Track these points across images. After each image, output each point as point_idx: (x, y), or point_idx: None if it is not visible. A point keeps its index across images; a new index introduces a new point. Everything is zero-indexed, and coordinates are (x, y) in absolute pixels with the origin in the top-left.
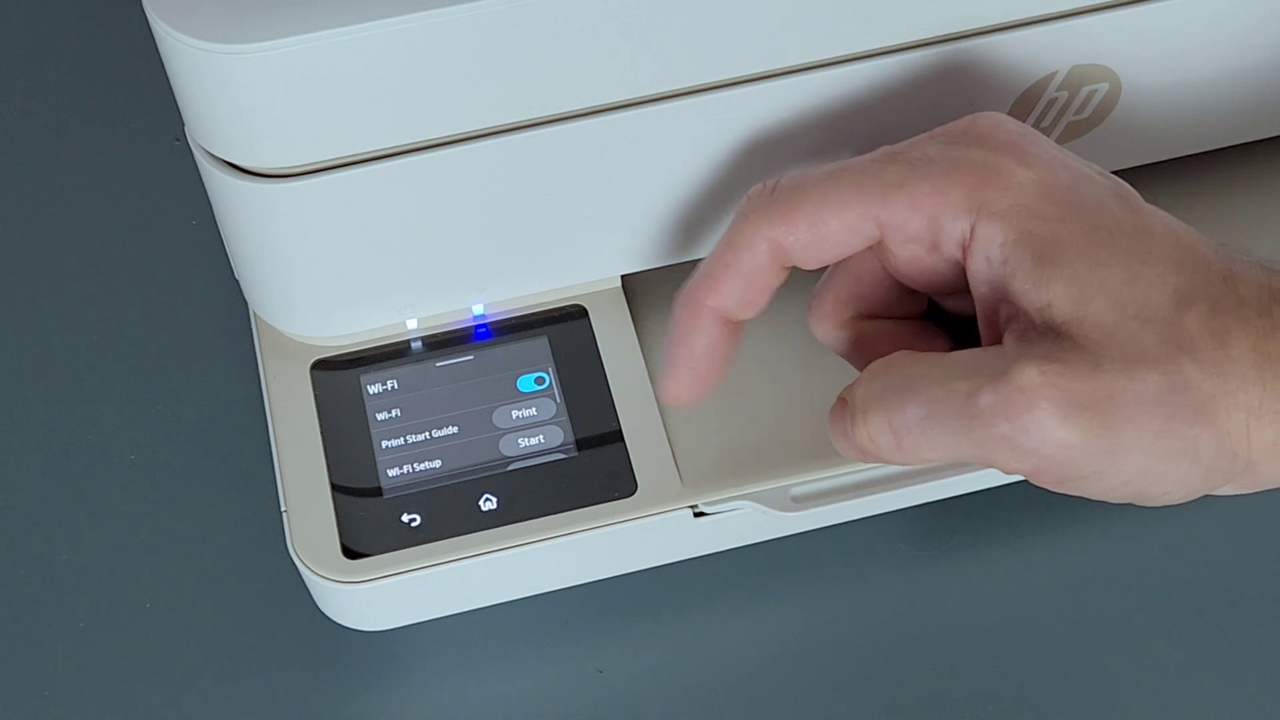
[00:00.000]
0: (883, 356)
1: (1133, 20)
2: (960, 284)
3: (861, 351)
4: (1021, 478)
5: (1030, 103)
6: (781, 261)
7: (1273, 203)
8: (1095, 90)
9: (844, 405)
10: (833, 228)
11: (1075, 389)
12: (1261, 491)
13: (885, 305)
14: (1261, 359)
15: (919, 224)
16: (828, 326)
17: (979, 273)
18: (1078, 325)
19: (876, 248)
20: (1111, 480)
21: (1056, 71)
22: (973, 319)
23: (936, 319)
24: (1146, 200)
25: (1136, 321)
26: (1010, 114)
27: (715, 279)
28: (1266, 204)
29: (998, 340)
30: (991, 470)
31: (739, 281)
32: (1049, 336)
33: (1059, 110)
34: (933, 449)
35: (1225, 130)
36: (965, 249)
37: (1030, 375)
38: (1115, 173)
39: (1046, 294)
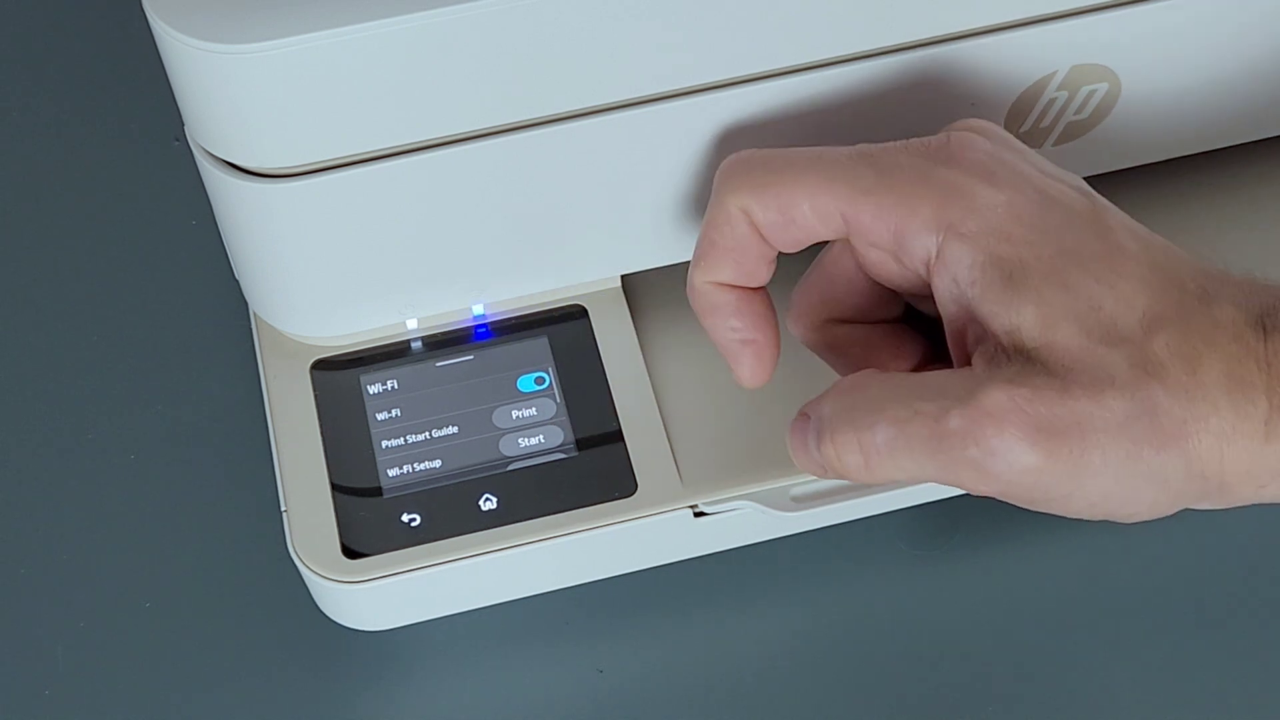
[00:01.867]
0: (857, 360)
1: (1133, 20)
2: (927, 289)
3: (837, 354)
4: None
5: (1030, 102)
6: (755, 224)
7: (1272, 203)
8: (1095, 90)
9: (806, 420)
10: (802, 211)
11: (1043, 414)
12: None
13: (859, 310)
14: (1233, 384)
15: (883, 233)
16: (803, 329)
17: (946, 291)
18: (1046, 350)
19: (847, 242)
20: (1079, 503)
21: (1056, 71)
22: None
23: (913, 322)
24: (1140, 204)
25: (1103, 345)
26: (1010, 113)
27: (706, 258)
28: (1266, 204)
29: (966, 358)
30: None
31: (729, 257)
32: (1017, 359)
33: (1058, 110)
34: (899, 470)
35: (1225, 130)
36: (929, 266)
37: (998, 399)
38: (1114, 173)
39: (1015, 318)
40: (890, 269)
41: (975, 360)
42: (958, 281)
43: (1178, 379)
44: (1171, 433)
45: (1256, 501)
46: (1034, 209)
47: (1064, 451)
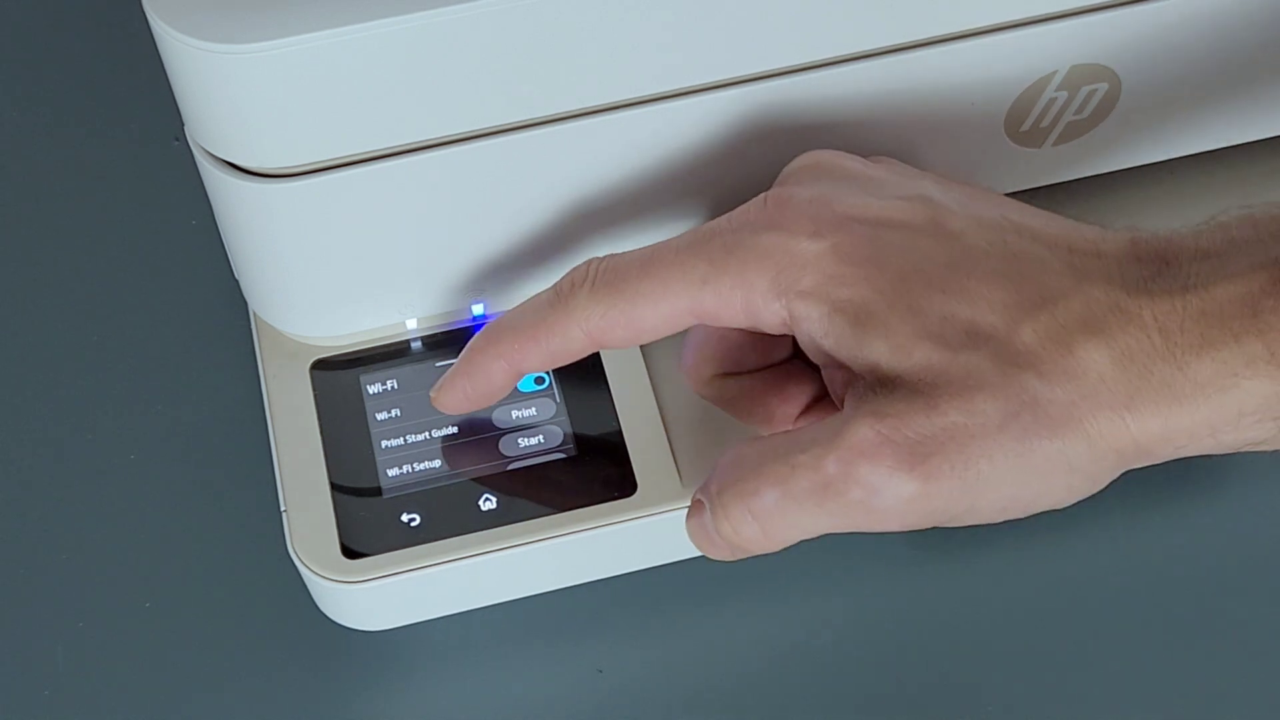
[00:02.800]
0: (749, 410)
1: (1133, 20)
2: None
3: (733, 405)
4: None
5: (1030, 102)
6: (597, 346)
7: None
8: (1095, 90)
9: (700, 507)
10: (649, 321)
11: (911, 437)
12: (1259, 494)
13: (744, 363)
14: (1120, 355)
15: (733, 313)
16: (694, 383)
17: (807, 345)
18: (908, 374)
19: None
20: (987, 511)
21: (1056, 71)
22: None
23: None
24: (1140, 205)
25: (966, 352)
26: (1010, 113)
27: (523, 347)
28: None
29: (841, 398)
30: None
31: (546, 358)
32: (881, 391)
33: (1058, 110)
34: (796, 528)
35: (1225, 130)
36: (788, 328)
37: (864, 434)
38: (1114, 173)
39: (870, 355)
40: (755, 332)
41: (846, 401)
42: (812, 336)
43: (1054, 362)
44: (1060, 417)
45: (1178, 457)
46: (862, 244)
47: (945, 469)
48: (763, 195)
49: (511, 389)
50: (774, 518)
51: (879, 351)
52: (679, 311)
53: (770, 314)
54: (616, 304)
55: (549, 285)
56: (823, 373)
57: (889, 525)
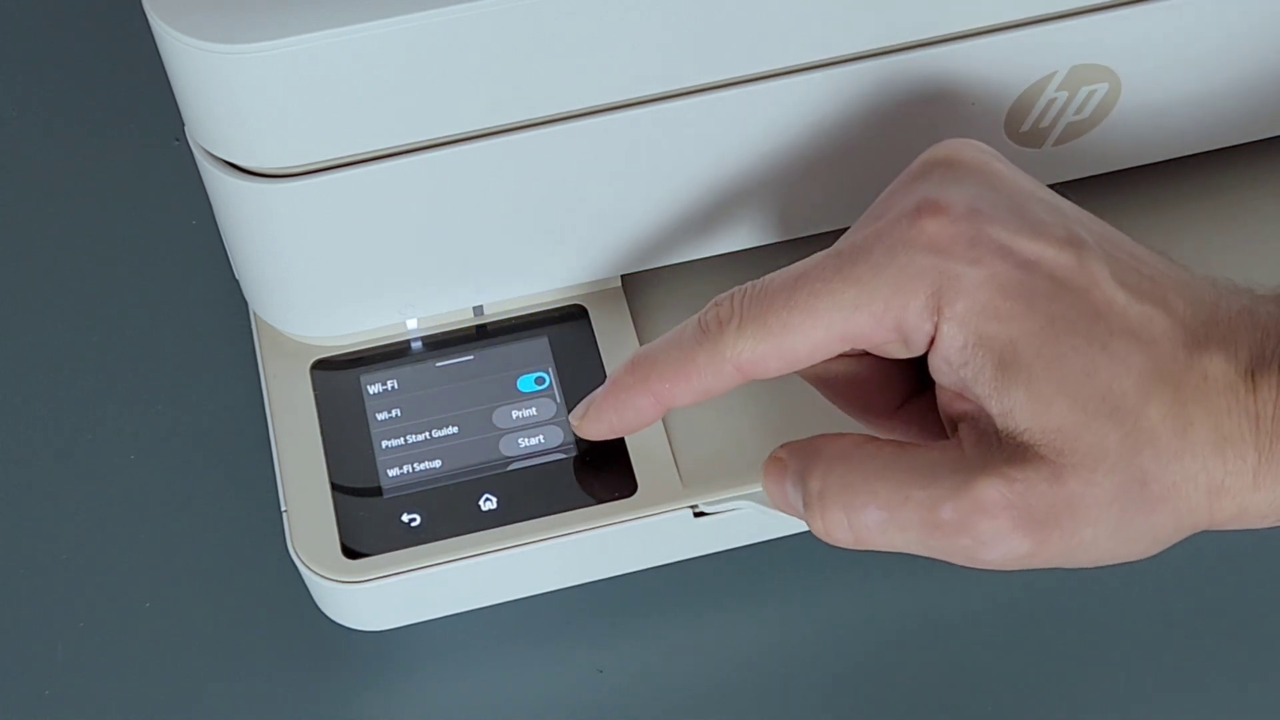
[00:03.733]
0: (845, 393)
1: (1133, 20)
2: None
3: (831, 386)
4: None
5: (1030, 102)
6: (748, 379)
7: (1272, 203)
8: (1095, 90)
9: (780, 465)
10: (801, 352)
11: (1035, 505)
12: None
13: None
14: (1222, 440)
15: (885, 333)
16: None
17: (939, 369)
18: (1040, 433)
19: None
20: (1071, 564)
21: (1056, 71)
22: None
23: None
24: (1140, 205)
25: (1099, 418)
26: (1010, 113)
27: (673, 386)
28: (1265, 204)
29: (953, 424)
30: None
31: (697, 394)
32: (1009, 444)
33: (1058, 110)
34: (889, 544)
35: (1225, 130)
36: (932, 342)
37: (990, 495)
38: (1114, 173)
39: (1007, 401)
40: (890, 350)
41: (964, 435)
42: (950, 362)
43: (1168, 444)
44: (1161, 496)
45: (1240, 529)
46: (1019, 277)
47: (1057, 536)
48: (914, 204)
49: (660, 416)
50: (873, 532)
51: (1018, 400)
52: (831, 339)
53: (922, 333)
54: (767, 338)
55: (550, 285)
56: (938, 389)
57: (982, 567)
